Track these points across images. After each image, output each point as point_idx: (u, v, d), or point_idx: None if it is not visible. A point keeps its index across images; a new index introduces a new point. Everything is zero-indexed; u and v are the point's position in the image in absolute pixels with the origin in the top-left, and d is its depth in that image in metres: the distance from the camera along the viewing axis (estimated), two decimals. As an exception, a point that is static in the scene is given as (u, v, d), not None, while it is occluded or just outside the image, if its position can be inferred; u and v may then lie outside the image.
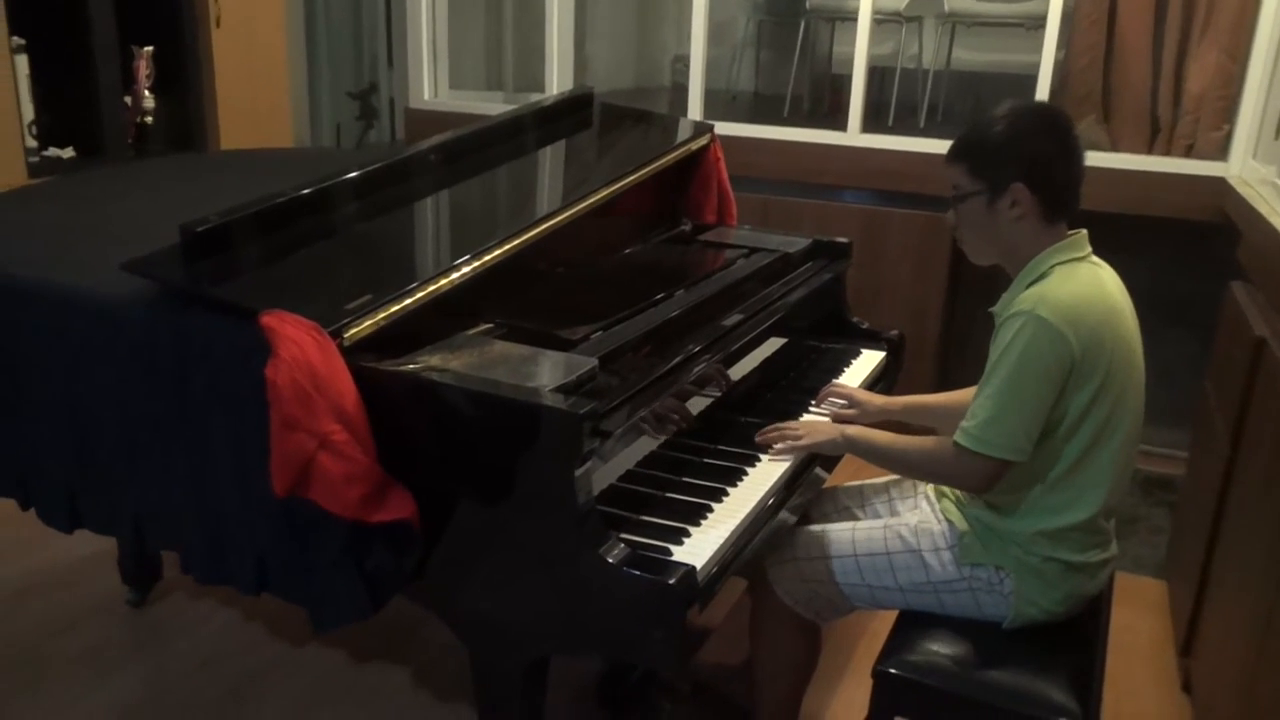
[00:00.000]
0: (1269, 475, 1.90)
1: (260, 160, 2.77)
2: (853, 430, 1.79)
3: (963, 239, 1.72)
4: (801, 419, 1.97)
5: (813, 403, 2.06)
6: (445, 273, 1.64)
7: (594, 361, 1.52)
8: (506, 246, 1.75)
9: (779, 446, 1.80)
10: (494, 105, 4.28)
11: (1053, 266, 1.62)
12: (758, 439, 1.82)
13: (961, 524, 1.72)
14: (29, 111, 3.26)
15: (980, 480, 1.61)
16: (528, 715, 1.59)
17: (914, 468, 1.75)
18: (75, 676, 2.31)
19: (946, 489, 1.81)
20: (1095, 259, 1.68)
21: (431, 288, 1.60)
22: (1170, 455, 3.44)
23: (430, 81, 4.27)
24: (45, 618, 2.52)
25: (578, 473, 1.35)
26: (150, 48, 3.63)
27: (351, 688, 2.31)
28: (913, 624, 1.73)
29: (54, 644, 2.42)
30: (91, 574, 2.67)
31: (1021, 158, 1.60)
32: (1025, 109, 1.64)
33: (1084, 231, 1.68)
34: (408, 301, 1.55)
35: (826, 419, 1.99)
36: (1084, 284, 1.60)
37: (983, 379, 1.61)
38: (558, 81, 4.06)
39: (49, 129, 3.40)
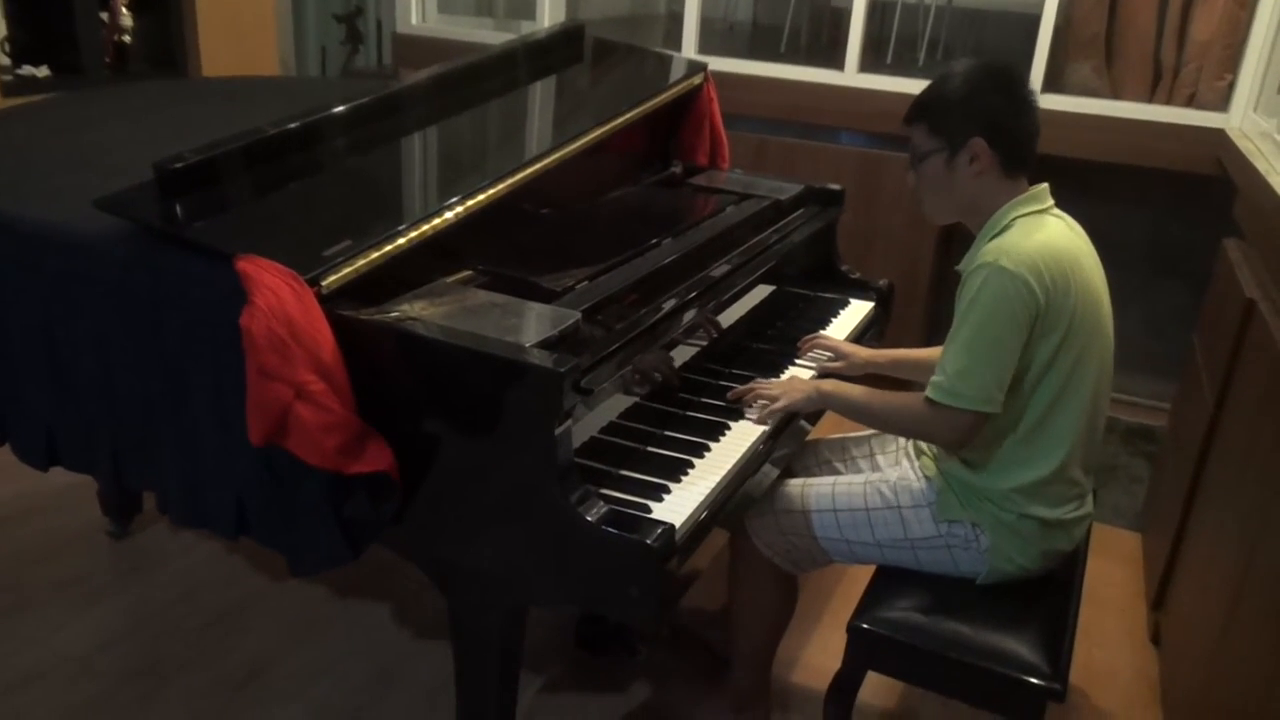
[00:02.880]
0: (1251, 435, 1.91)
1: (244, 89, 2.69)
2: (828, 385, 1.79)
3: (923, 199, 1.72)
4: (780, 377, 1.95)
5: (797, 357, 2.05)
6: (428, 218, 1.60)
7: (577, 315, 1.50)
8: (492, 191, 1.71)
9: (756, 411, 1.77)
10: (484, 32, 4.17)
11: (1014, 219, 1.62)
12: (730, 397, 1.80)
13: (939, 480, 1.73)
14: (1, 28, 3.16)
15: (955, 434, 1.62)
16: (504, 661, 1.60)
17: (890, 423, 1.75)
18: (57, 605, 2.32)
19: (925, 445, 1.82)
20: (1058, 211, 1.68)
21: (413, 234, 1.57)
22: (1154, 406, 3.45)
23: (418, 5, 4.14)
24: (26, 546, 2.53)
25: (558, 430, 1.33)
26: (128, -37, 3.51)
27: (333, 620, 2.33)
28: (888, 579, 1.74)
29: (35, 572, 2.43)
30: (72, 502, 2.67)
31: (979, 113, 1.61)
32: (979, 66, 1.65)
33: (1045, 185, 1.68)
34: (388, 248, 1.52)
35: (806, 374, 1.98)
36: (1046, 234, 1.60)
37: (951, 332, 1.61)
38: (550, 8, 3.95)
39: (23, 47, 3.29)
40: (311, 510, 1.46)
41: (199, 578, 2.45)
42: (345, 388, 1.40)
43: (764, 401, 1.78)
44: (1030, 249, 1.56)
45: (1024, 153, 1.64)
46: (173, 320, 1.54)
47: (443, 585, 1.59)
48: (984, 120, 1.60)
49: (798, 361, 2.03)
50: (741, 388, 1.82)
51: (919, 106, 1.67)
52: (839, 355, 2.03)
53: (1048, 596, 1.72)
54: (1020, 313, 1.54)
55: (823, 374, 2.00)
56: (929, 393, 1.60)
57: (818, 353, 2.05)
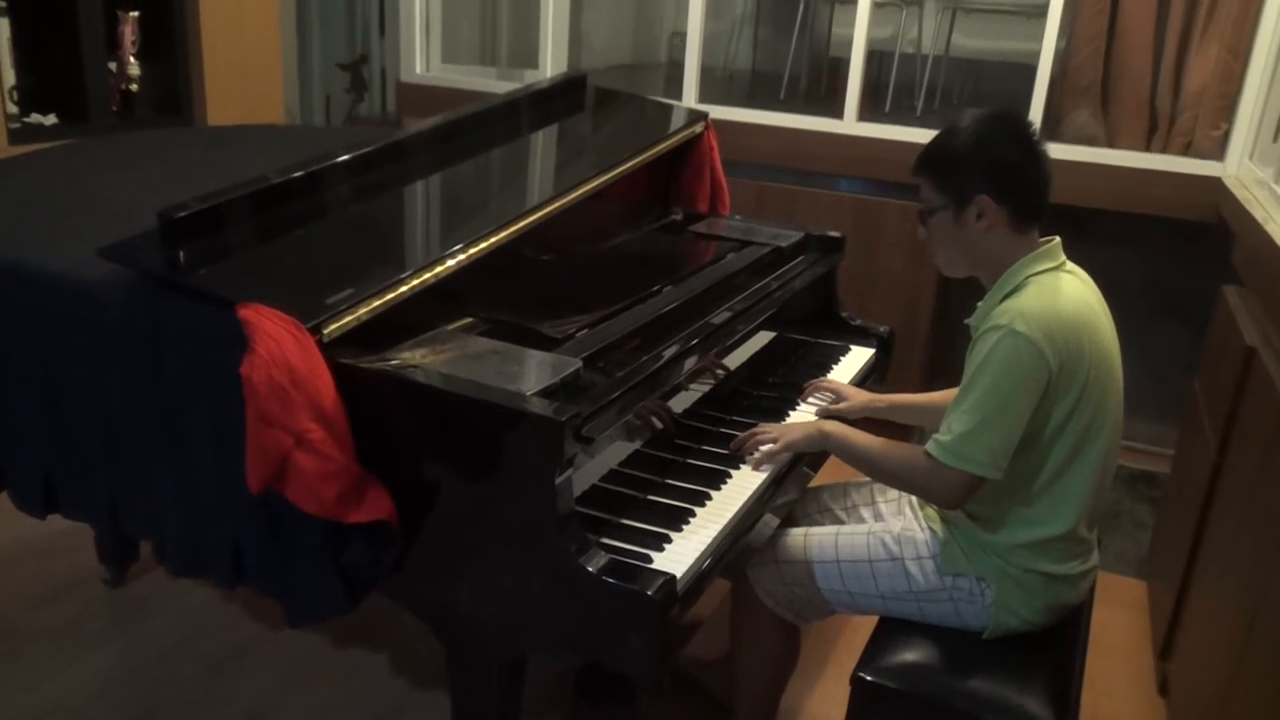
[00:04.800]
0: (1255, 482, 1.90)
1: (249, 137, 2.72)
2: (830, 426, 1.77)
3: (934, 254, 1.71)
4: (783, 422, 1.95)
5: (799, 400, 2.04)
6: (430, 265, 1.61)
7: (578, 363, 1.50)
8: (494, 238, 1.72)
9: (756, 456, 1.75)
10: (487, 81, 4.22)
11: (1028, 278, 1.60)
12: (732, 447, 1.78)
13: (944, 533, 1.71)
14: (10, 77, 3.19)
15: (952, 494, 1.58)
16: (503, 709, 1.58)
17: (887, 474, 1.72)
18: (53, 650, 2.30)
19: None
20: (1070, 266, 1.67)
21: (415, 281, 1.57)
22: (1156, 452, 3.44)
23: (422, 55, 4.20)
24: (22, 590, 2.51)
25: (559, 479, 1.33)
26: (136, 12, 3.55)
27: (330, 667, 2.31)
28: (892, 629, 1.72)
29: (31, 617, 2.41)
30: (69, 547, 2.65)
31: (984, 168, 1.59)
32: (985, 118, 1.62)
33: (1057, 239, 1.66)
34: (390, 296, 1.52)
35: (808, 419, 1.97)
36: (1060, 295, 1.58)
37: (959, 392, 1.58)
38: (552, 57, 4.00)
39: (31, 94, 3.33)
40: (310, 559, 1.45)
41: (195, 624, 2.43)
42: (345, 436, 1.40)
43: (764, 447, 1.76)
44: (1044, 312, 1.54)
45: (1034, 205, 1.62)
46: (174, 367, 1.54)
47: (441, 633, 1.58)
48: (990, 176, 1.58)
49: (800, 407, 2.03)
50: (743, 435, 1.80)
51: (924, 162, 1.65)
52: (840, 398, 2.02)
53: (1053, 647, 1.70)
54: (1032, 378, 1.53)
55: (825, 416, 2.00)
56: (931, 449, 1.58)
57: (821, 394, 2.05)
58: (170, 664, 2.29)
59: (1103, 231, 3.44)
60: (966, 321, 1.69)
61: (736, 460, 1.76)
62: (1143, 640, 2.58)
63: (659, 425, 1.69)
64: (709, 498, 1.63)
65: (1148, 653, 2.52)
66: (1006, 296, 1.60)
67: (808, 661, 2.32)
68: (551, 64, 4.01)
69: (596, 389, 1.50)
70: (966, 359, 1.61)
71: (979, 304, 1.67)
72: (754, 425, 1.85)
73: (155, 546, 1.71)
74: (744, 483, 1.69)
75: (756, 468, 1.75)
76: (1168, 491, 2.81)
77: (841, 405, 2.01)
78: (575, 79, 2.51)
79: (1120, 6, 3.32)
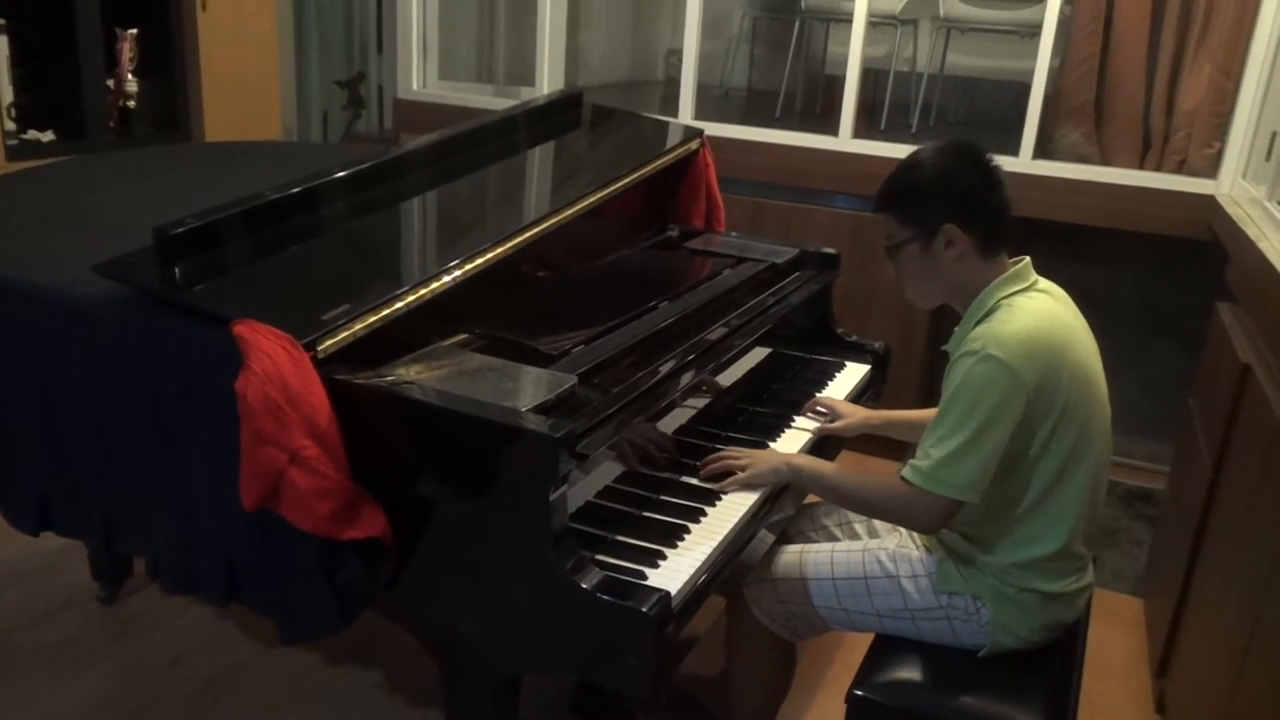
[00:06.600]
0: (1251, 501, 1.90)
1: (246, 153, 2.73)
2: (799, 460, 1.75)
3: (906, 287, 1.71)
4: (778, 438, 1.95)
5: (795, 415, 2.05)
6: (425, 282, 1.61)
7: (573, 379, 1.50)
8: (489, 255, 1.73)
9: (724, 483, 1.71)
10: (483, 97, 4.24)
11: (1000, 301, 1.61)
12: (701, 473, 1.73)
13: (939, 551, 1.71)
14: (8, 94, 3.20)
15: (930, 519, 1.58)
16: (498, 730, 1.57)
17: (863, 504, 1.71)
18: (46, 670, 2.28)
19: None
20: (1043, 285, 1.67)
21: (411, 298, 1.57)
22: (1152, 469, 3.44)
23: (419, 72, 4.22)
24: (16, 609, 2.49)
25: (553, 496, 1.33)
26: (134, 30, 3.57)
27: (324, 687, 2.29)
28: (888, 647, 1.72)
29: (24, 636, 2.40)
30: (63, 566, 2.64)
31: (949, 198, 1.59)
32: (944, 149, 1.63)
33: (1027, 260, 1.67)
34: (385, 312, 1.53)
35: (804, 437, 1.97)
36: (1033, 315, 1.58)
37: (936, 417, 1.58)
38: (549, 74, 4.02)
39: (29, 111, 3.34)
40: (304, 576, 1.45)
41: (189, 644, 2.41)
42: (340, 452, 1.40)
43: (731, 490, 1.71)
44: (1018, 334, 1.54)
45: (999, 229, 1.63)
46: (169, 384, 1.54)
47: (435, 652, 1.57)
48: (955, 204, 1.59)
49: (795, 423, 2.03)
50: (713, 462, 1.74)
51: (887, 196, 1.65)
52: (837, 415, 2.03)
53: (1050, 666, 1.69)
54: (1008, 402, 1.52)
55: (821, 435, 2.00)
56: (907, 474, 1.57)
57: (821, 408, 2.05)
58: (164, 682, 2.27)
59: (1097, 249, 3.46)
60: (945, 348, 1.69)
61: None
62: (1140, 658, 2.57)
63: (655, 448, 1.68)
64: (704, 514, 1.62)
65: (1145, 671, 2.51)
66: (979, 321, 1.61)
67: (803, 679, 2.31)
68: (548, 81, 4.03)
69: (592, 405, 1.50)
70: (943, 384, 1.61)
71: (955, 329, 1.68)
72: (748, 442, 1.85)
73: (149, 564, 1.71)
74: (739, 499, 1.69)
75: (719, 490, 1.69)
76: (1164, 509, 2.81)
77: (838, 423, 2.02)
78: (572, 96, 2.52)
79: (1114, 26, 3.35)
